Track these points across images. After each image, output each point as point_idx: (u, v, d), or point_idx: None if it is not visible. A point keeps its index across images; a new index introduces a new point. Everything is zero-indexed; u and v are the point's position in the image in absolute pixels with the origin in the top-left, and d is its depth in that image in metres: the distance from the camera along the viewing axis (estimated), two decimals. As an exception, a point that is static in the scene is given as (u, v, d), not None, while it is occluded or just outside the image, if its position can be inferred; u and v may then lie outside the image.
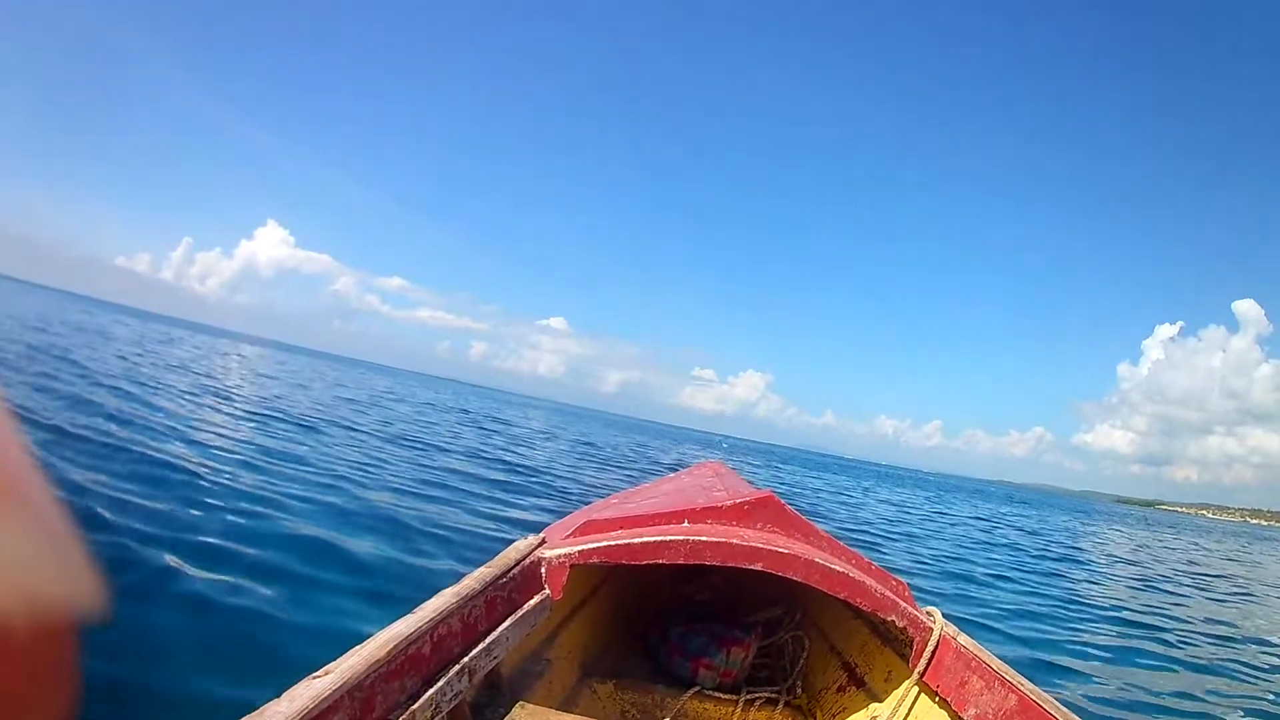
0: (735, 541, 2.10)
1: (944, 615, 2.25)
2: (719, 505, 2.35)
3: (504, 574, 1.87)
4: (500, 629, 1.75)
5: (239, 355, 30.82)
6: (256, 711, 1.03)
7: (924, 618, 2.20)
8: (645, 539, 2.07)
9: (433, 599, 1.59)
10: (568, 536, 2.16)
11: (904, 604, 2.18)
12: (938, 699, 2.07)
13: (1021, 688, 1.80)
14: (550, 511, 6.71)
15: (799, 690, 2.63)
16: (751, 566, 2.08)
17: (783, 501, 2.42)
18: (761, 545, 2.10)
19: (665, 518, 2.26)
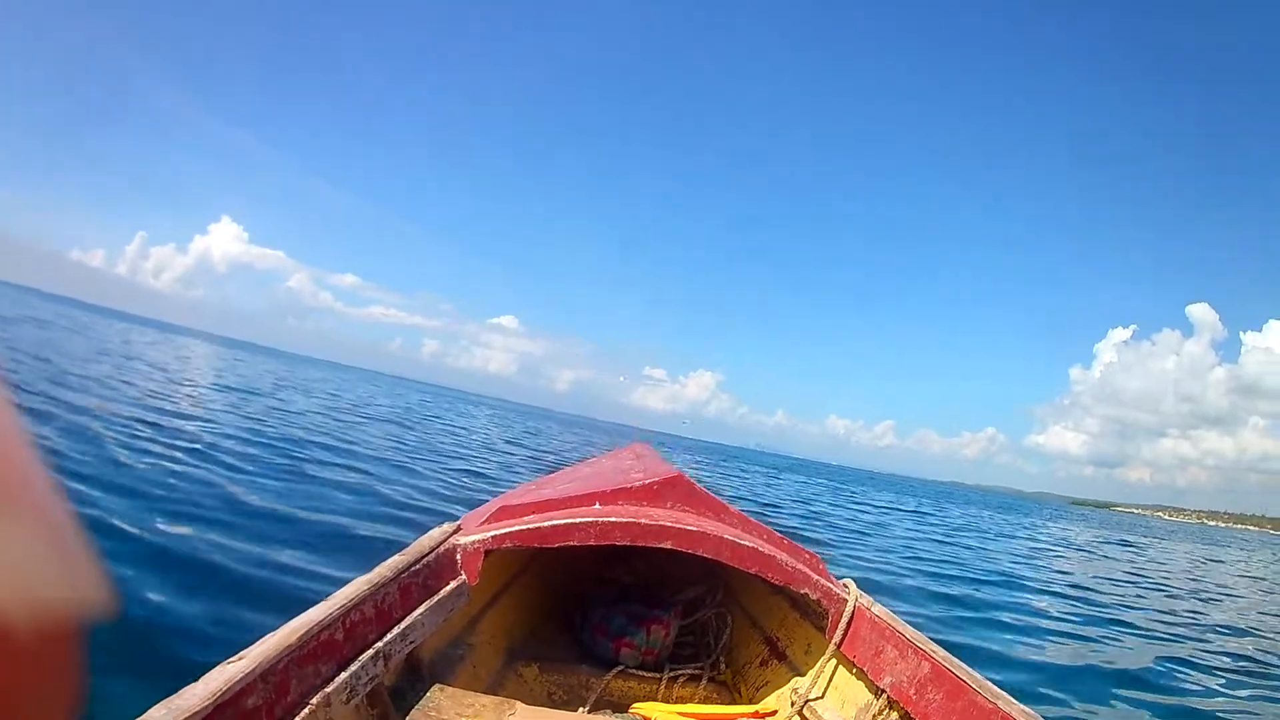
0: (644, 521, 2.15)
1: (858, 586, 2.31)
2: (629, 486, 2.40)
3: (418, 561, 1.90)
4: (415, 614, 1.78)
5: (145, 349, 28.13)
6: (174, 695, 1.06)
7: (838, 589, 2.26)
8: (556, 522, 2.12)
9: (345, 587, 1.62)
10: (482, 523, 2.19)
11: (817, 576, 2.25)
12: (855, 669, 2.14)
13: (934, 655, 1.87)
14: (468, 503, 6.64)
15: (723, 666, 2.68)
16: (660, 545, 2.13)
17: (693, 481, 2.48)
18: (670, 524, 2.15)
19: (577, 500, 2.30)
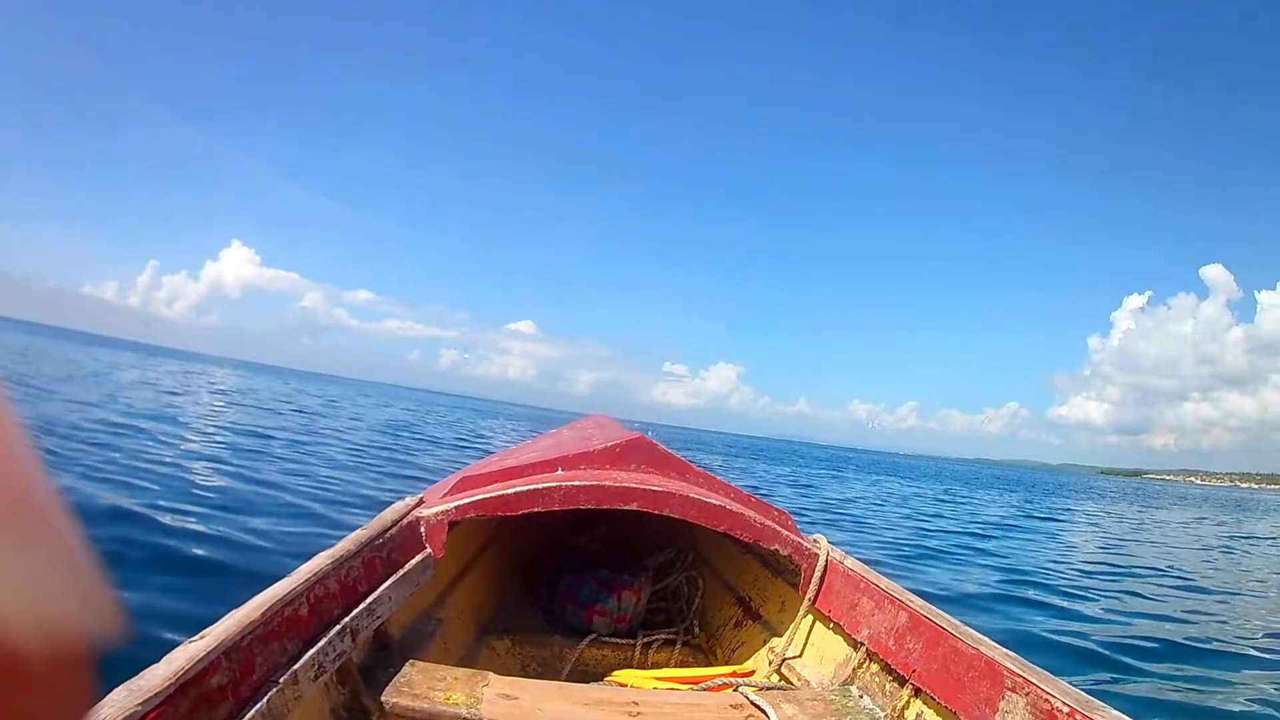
0: (608, 484, 2.12)
1: (830, 542, 2.26)
2: (591, 450, 2.37)
3: (380, 535, 1.87)
4: (381, 589, 1.75)
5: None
6: (135, 676, 1.03)
7: (809, 545, 2.23)
8: (519, 489, 2.08)
9: (307, 563, 1.58)
10: (444, 495, 2.16)
11: (787, 532, 2.22)
12: (831, 624, 2.11)
13: (911, 604, 1.84)
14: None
15: (697, 629, 2.65)
16: (627, 507, 2.10)
17: (655, 441, 2.46)
18: (635, 485, 2.12)
19: (539, 467, 2.28)
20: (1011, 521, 14.56)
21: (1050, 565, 8.65)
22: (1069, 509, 20.81)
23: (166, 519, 4.50)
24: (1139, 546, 12.50)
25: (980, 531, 11.62)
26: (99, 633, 0.36)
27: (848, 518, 11.57)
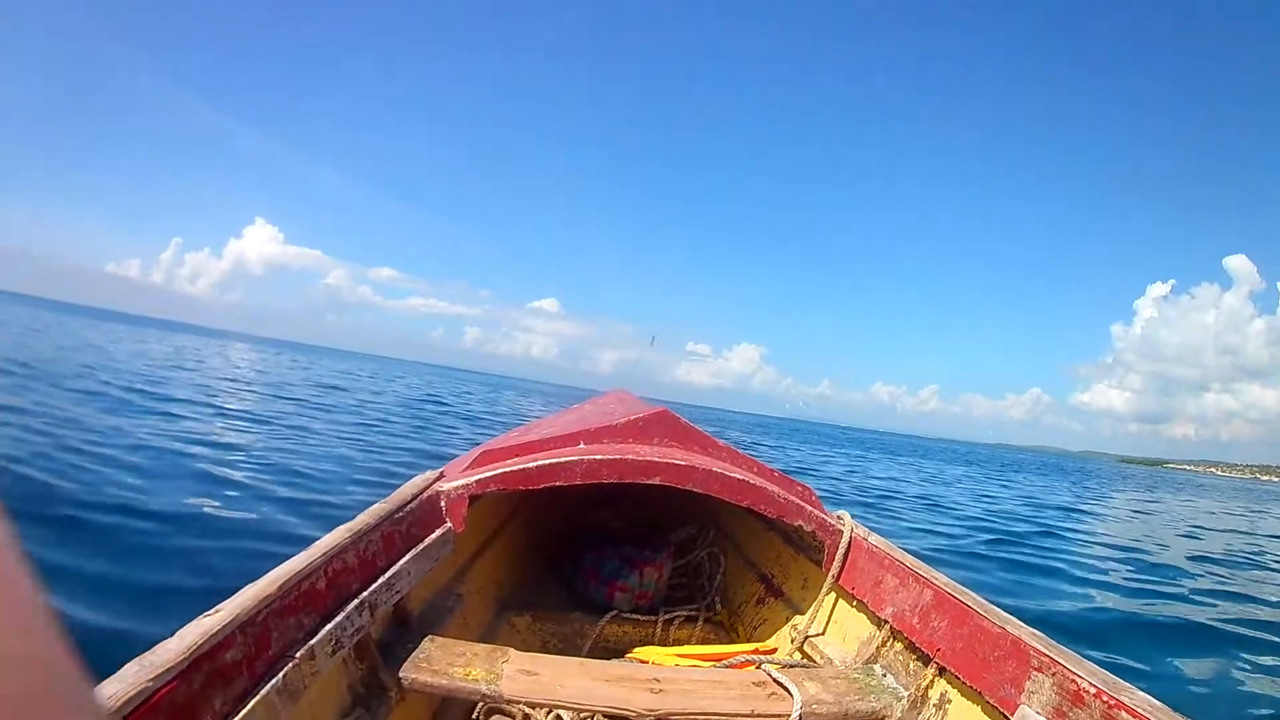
0: (631, 457, 2.08)
1: (853, 518, 2.22)
2: (614, 424, 2.34)
3: (400, 509, 1.84)
4: (400, 563, 1.72)
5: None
6: (148, 650, 1.01)
7: (833, 521, 2.20)
8: (541, 462, 2.05)
9: (325, 536, 1.56)
10: (465, 469, 2.13)
11: (810, 508, 2.18)
12: (855, 601, 2.08)
13: (935, 581, 1.79)
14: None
15: (718, 606, 2.63)
16: (649, 481, 2.06)
17: (677, 415, 2.41)
18: (658, 459, 2.09)
19: (561, 440, 2.24)
20: (1080, 507, 14.47)
21: (1144, 549, 8.46)
22: (1113, 496, 20.65)
23: (170, 509, 4.39)
24: (1217, 535, 12.33)
25: (1057, 515, 11.57)
26: (49, 675, 0.31)
27: (910, 499, 11.56)
